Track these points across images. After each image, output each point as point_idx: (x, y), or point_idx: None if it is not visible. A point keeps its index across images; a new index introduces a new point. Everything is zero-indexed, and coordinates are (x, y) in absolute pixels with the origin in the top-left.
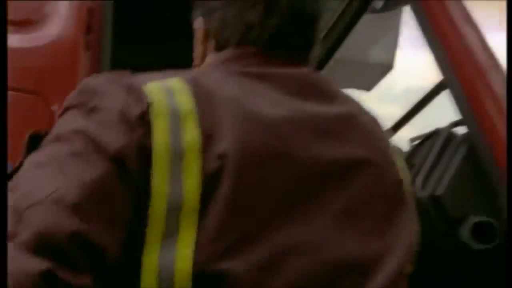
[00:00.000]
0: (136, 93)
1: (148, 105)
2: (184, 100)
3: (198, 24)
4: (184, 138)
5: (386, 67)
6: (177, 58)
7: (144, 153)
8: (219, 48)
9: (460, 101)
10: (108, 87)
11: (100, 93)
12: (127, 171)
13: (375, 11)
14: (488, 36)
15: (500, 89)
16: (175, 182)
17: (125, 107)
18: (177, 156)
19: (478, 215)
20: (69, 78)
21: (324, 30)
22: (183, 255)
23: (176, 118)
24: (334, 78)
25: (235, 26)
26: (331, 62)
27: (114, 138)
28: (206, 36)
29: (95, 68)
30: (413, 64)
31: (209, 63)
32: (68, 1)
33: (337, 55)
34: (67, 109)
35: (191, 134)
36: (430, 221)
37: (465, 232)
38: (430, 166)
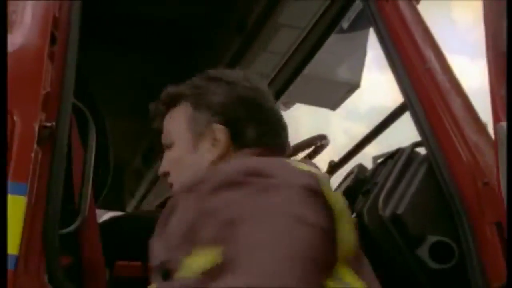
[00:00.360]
0: (305, 172)
1: (318, 179)
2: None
3: (218, 130)
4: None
5: (352, 86)
6: (141, 69)
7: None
8: (239, 148)
9: (421, 122)
10: (277, 167)
11: (274, 173)
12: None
13: (343, 31)
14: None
15: (459, 111)
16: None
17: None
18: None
19: (437, 234)
20: (33, 89)
21: (293, 46)
22: None
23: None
24: (301, 95)
25: (257, 133)
26: (298, 79)
27: (315, 211)
28: (231, 140)
29: (59, 79)
30: (379, 84)
31: (237, 156)
32: (33, 11)
33: (305, 72)
34: (231, 185)
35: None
36: (392, 239)
37: (423, 251)
38: (392, 185)
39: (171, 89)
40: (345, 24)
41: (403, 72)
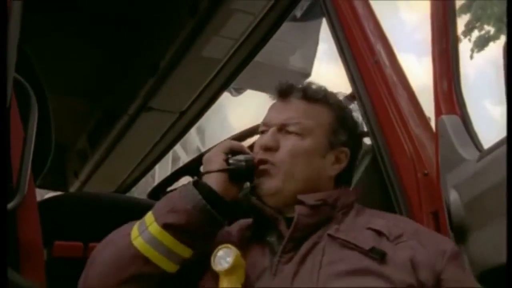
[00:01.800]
0: None
1: None
2: None
3: (345, 153)
4: None
5: (303, 75)
6: (90, 51)
7: None
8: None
9: (367, 114)
10: None
11: None
12: None
13: (296, 19)
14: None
15: (405, 104)
16: None
17: None
18: None
19: None
20: None
21: (246, 32)
22: None
23: None
24: (252, 82)
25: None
26: (250, 66)
27: None
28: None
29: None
30: (329, 75)
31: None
32: None
33: (257, 59)
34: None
35: None
36: None
37: None
38: None
39: (320, 88)
40: (298, 12)
41: (353, 64)
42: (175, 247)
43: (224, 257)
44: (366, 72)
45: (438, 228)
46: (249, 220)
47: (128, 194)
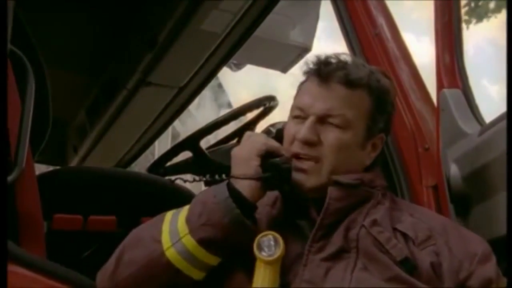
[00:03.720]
0: None
1: None
2: None
3: (381, 139)
4: None
5: (303, 49)
6: (88, 24)
7: None
8: None
9: None
10: None
11: None
12: None
13: None
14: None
15: (406, 78)
16: None
17: None
18: None
19: None
20: None
21: (245, 6)
22: None
23: None
24: (252, 57)
25: None
26: (249, 40)
27: None
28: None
29: None
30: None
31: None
32: None
33: (257, 33)
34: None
35: None
36: None
37: None
38: None
39: (363, 69)
40: None
41: (354, 36)
42: (207, 259)
43: (268, 245)
44: (367, 44)
45: (438, 202)
46: (273, 193)
47: None
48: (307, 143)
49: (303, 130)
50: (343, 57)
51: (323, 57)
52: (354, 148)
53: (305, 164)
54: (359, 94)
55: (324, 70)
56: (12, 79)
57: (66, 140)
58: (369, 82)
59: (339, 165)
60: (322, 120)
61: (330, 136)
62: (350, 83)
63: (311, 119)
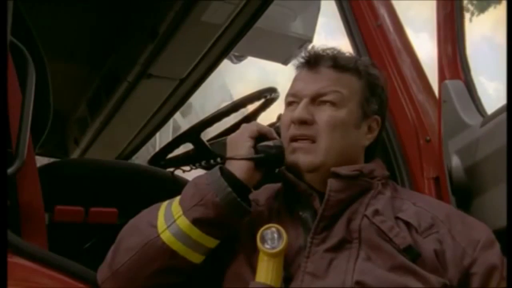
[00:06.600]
0: None
1: None
2: None
3: (377, 121)
4: None
5: (304, 41)
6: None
7: None
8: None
9: None
10: None
11: None
12: None
13: None
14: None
15: (408, 69)
16: None
17: None
18: None
19: None
20: None
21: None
22: None
23: None
24: (253, 49)
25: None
26: (250, 32)
27: None
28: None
29: None
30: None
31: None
32: None
33: (258, 25)
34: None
35: None
36: None
37: None
38: None
39: (351, 56)
40: None
41: (356, 27)
42: (202, 239)
43: (272, 238)
44: (368, 35)
45: (439, 194)
46: (276, 186)
47: None
48: (302, 122)
49: (297, 110)
50: (331, 49)
51: (312, 51)
52: (349, 127)
53: (301, 144)
54: (348, 77)
55: (313, 58)
56: (12, 71)
57: (67, 132)
58: (357, 66)
59: (335, 143)
60: (315, 100)
61: (324, 114)
62: (338, 67)
63: (304, 100)
